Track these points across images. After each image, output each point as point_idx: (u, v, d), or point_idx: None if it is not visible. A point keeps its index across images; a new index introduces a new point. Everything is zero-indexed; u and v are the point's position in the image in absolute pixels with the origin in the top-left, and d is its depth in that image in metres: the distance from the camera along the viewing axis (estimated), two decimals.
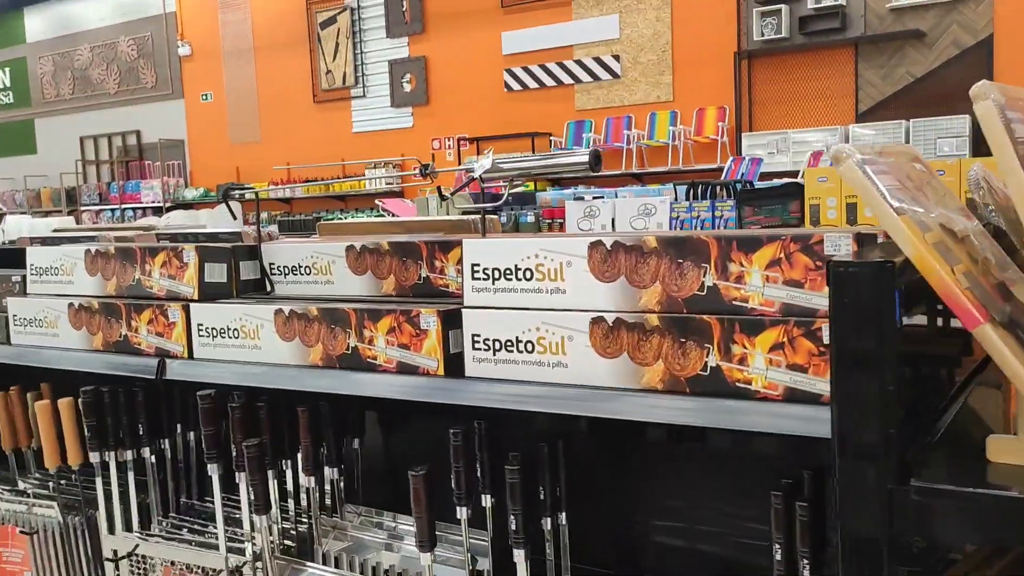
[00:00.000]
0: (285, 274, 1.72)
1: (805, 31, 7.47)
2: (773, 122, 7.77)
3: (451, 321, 1.29)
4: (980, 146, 6.75)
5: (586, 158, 1.17)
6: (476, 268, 1.21)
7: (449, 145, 9.54)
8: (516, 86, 9.10)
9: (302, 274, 1.68)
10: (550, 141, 8.80)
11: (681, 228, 3.85)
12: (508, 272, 1.18)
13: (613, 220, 4.14)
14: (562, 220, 4.39)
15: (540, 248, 1.16)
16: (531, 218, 4.57)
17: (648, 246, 1.13)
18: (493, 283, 1.22)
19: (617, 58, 8.51)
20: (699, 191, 3.88)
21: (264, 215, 10.52)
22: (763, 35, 7.63)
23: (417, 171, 1.49)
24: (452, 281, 1.46)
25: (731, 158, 5.11)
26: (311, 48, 10.41)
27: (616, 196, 4.32)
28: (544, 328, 1.16)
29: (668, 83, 8.29)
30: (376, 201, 7.01)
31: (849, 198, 3.40)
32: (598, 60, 8.61)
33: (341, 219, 7.89)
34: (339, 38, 10.15)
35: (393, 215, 6.36)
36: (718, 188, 3.80)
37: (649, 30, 8.31)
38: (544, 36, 8.83)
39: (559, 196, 4.72)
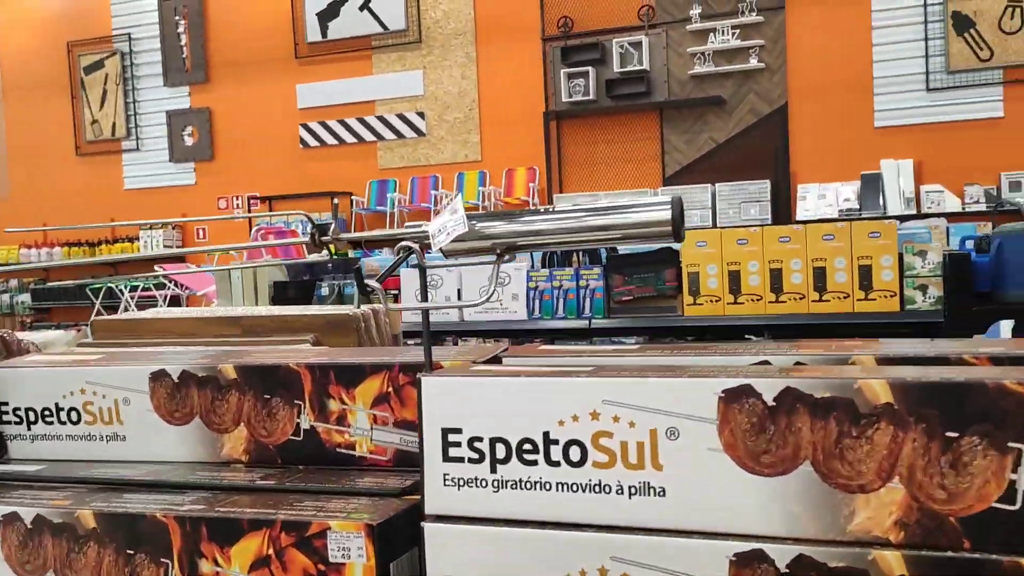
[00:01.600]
0: (33, 420, 1.03)
1: (612, 94, 7.48)
2: (583, 184, 7.69)
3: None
4: (779, 211, 6.99)
5: (666, 213, 0.69)
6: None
7: (238, 204, 8.69)
8: (313, 142, 8.48)
9: (65, 421, 1.01)
10: (351, 201, 8.24)
11: (541, 300, 3.47)
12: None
13: (459, 292, 3.68)
14: (396, 292, 3.87)
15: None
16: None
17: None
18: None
19: (422, 115, 8.14)
20: (558, 257, 3.51)
21: (13, 283, 9.07)
22: (571, 96, 7.56)
23: (307, 230, 0.97)
24: (361, 438, 0.92)
25: None
26: (73, 95, 9.21)
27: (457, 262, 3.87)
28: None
29: (476, 142, 8.02)
30: (156, 267, 6.10)
31: (731, 265, 3.17)
32: (402, 117, 8.19)
33: (116, 288, 6.82)
34: (107, 84, 9.05)
35: (184, 287, 5.51)
36: (579, 254, 3.46)
37: (455, 87, 8.03)
38: (343, 90, 8.31)
39: (388, 262, 4.20)
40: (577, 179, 7.71)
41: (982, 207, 6.49)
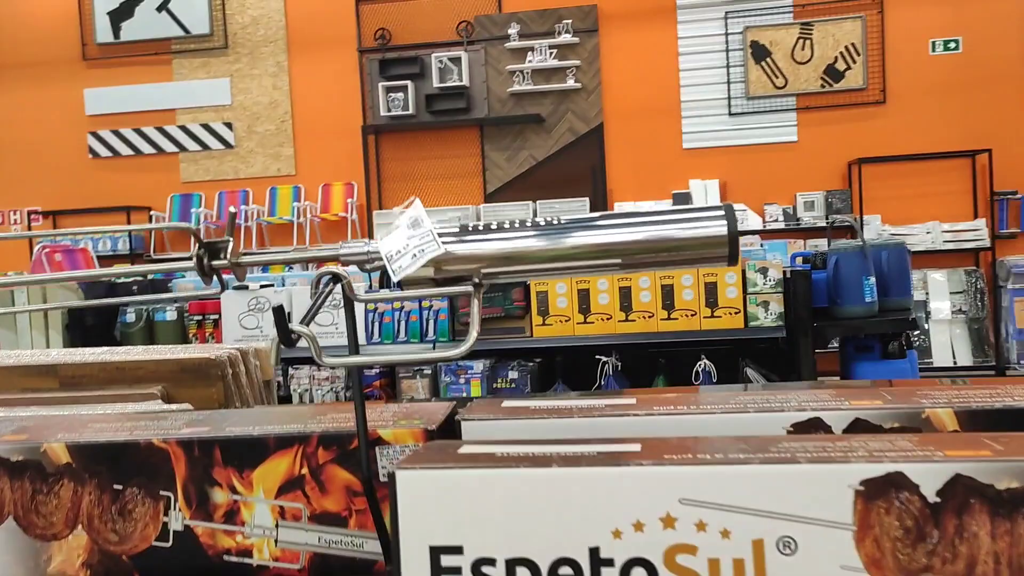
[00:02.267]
0: None
1: (432, 109, 7.33)
2: (403, 200, 7.46)
3: None
4: None
5: (722, 229, 0.51)
6: None
7: (16, 220, 7.76)
8: (105, 152, 7.73)
9: None
10: (150, 216, 7.57)
11: (381, 323, 3.23)
12: None
13: (289, 315, 3.36)
14: (217, 316, 3.49)
15: None
16: (171, 314, 3.59)
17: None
18: None
19: (230, 126, 7.62)
20: None
21: None
22: (390, 110, 7.34)
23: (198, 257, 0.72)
24: (261, 540, 0.68)
25: None
26: None
27: (284, 284, 3.55)
28: None
29: (289, 155, 7.60)
30: None
31: (581, 284, 3.08)
32: (207, 127, 7.63)
33: None
34: None
35: None
36: None
37: (266, 98, 7.58)
38: (140, 96, 7.64)
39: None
40: (397, 195, 7.49)
41: (781, 225, 6.89)
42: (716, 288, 3.05)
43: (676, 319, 3.09)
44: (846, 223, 6.74)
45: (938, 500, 0.43)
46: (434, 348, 3.26)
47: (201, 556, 0.69)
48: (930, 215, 6.70)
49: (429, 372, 3.33)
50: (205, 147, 7.65)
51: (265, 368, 1.10)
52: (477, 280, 0.60)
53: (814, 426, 0.61)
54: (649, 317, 3.10)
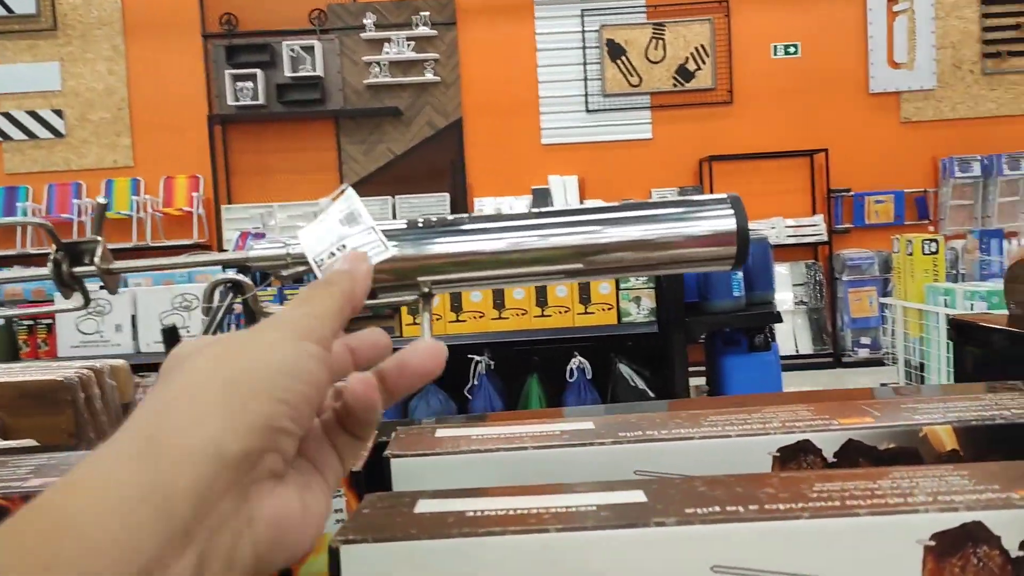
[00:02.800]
0: None
1: (284, 100, 7.02)
2: (254, 194, 7.14)
3: None
4: None
5: (727, 222, 0.42)
6: None
7: None
8: None
9: None
10: None
11: (238, 324, 3.00)
12: None
13: (134, 318, 3.08)
14: (50, 322, 3.15)
15: None
16: None
17: None
18: None
19: (59, 113, 7.03)
20: (256, 276, 3.07)
21: None
22: (238, 100, 6.97)
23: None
24: None
25: (239, 232, 4.36)
26: None
27: (127, 284, 3.25)
28: None
29: (127, 146, 7.09)
30: None
31: None
32: (33, 114, 7.01)
33: None
34: None
35: None
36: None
37: (100, 84, 7.04)
38: None
39: (35, 283, 3.42)
40: (247, 189, 7.13)
41: None
42: (589, 284, 3.02)
43: (549, 316, 3.04)
44: None
45: (1022, 554, 0.36)
46: None
47: None
48: (774, 211, 7.01)
49: None
50: (32, 136, 7.02)
51: (124, 389, 0.93)
52: (427, 289, 0.49)
53: (803, 450, 0.54)
54: (522, 314, 3.03)
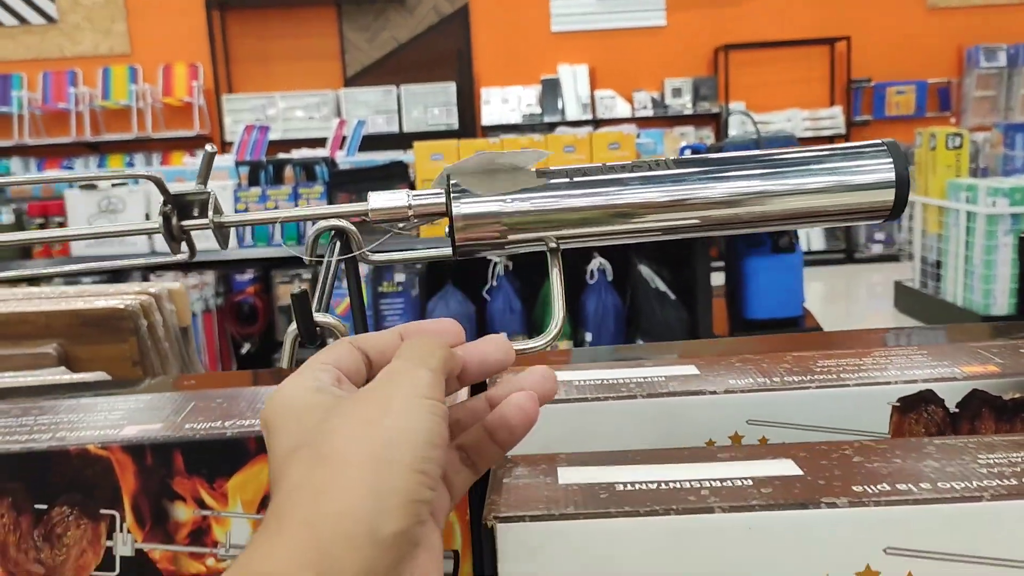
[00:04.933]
0: None
1: None
2: (255, 83, 6.96)
3: None
4: (465, 114, 6.88)
5: (887, 173, 0.39)
6: None
7: None
8: None
9: None
10: None
11: (254, 228, 2.96)
12: None
13: (147, 216, 3.04)
14: (62, 219, 3.11)
15: None
16: (7, 216, 3.17)
17: None
18: None
19: None
20: (269, 172, 3.02)
21: None
22: None
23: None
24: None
25: (244, 125, 4.26)
26: None
27: (139, 183, 3.19)
28: None
29: (123, 32, 6.87)
30: None
31: None
32: None
33: None
34: None
35: None
36: (295, 169, 2.99)
37: None
38: None
39: (47, 177, 3.37)
40: (248, 78, 6.95)
41: (649, 113, 6.88)
42: None
43: None
44: (712, 112, 6.82)
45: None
46: None
47: None
48: (792, 102, 6.86)
49: (308, 276, 3.12)
50: (23, 20, 6.79)
51: (182, 314, 0.90)
52: (553, 244, 0.46)
53: (925, 400, 0.52)
54: None
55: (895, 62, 6.82)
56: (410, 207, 0.47)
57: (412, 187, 3.01)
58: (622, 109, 6.90)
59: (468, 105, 6.97)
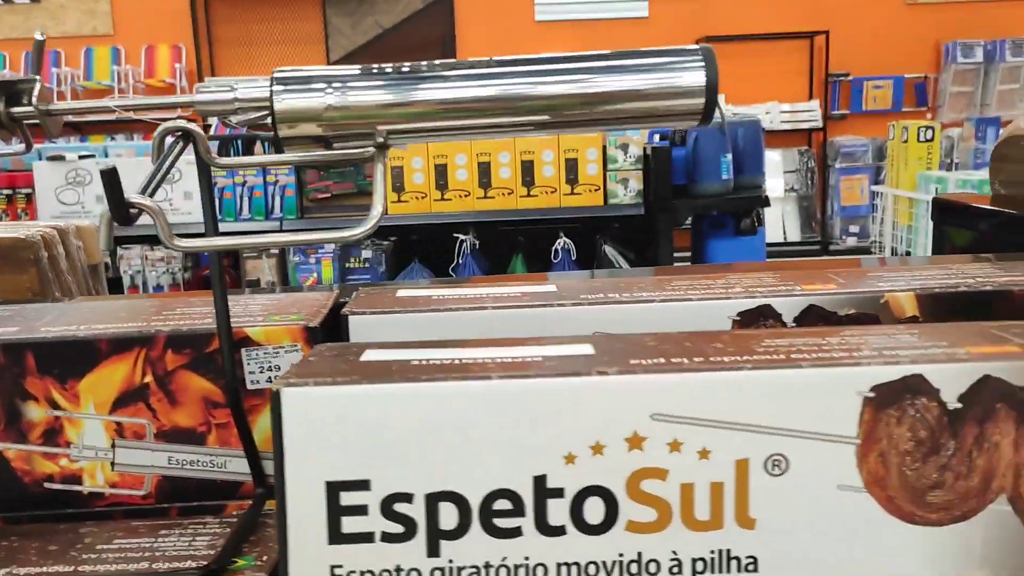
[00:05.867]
0: None
1: None
2: (239, 66, 6.93)
3: None
4: None
5: (696, 75, 0.40)
6: None
7: None
8: None
9: None
10: None
11: (221, 199, 2.97)
12: None
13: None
14: (30, 191, 3.11)
15: None
16: None
17: None
18: None
19: None
20: (238, 145, 3.02)
21: None
22: None
23: None
24: (93, 464, 0.58)
25: None
26: None
27: (107, 154, 3.19)
28: None
29: (106, 12, 6.84)
30: None
31: (438, 158, 2.92)
32: None
33: None
34: None
35: None
36: (264, 144, 3.00)
37: None
38: None
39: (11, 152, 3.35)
40: (231, 61, 6.93)
41: None
42: (577, 164, 2.98)
43: (536, 196, 3.01)
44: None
45: (960, 406, 0.36)
46: (281, 226, 3.05)
47: (14, 484, 0.56)
48: (770, 95, 6.88)
49: (276, 252, 3.13)
50: (7, 0, 6.75)
51: (90, 250, 0.91)
52: (381, 140, 0.47)
53: (763, 314, 0.53)
54: (508, 194, 3.00)
55: (873, 56, 6.84)
56: (236, 100, 0.48)
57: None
58: None
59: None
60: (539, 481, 0.37)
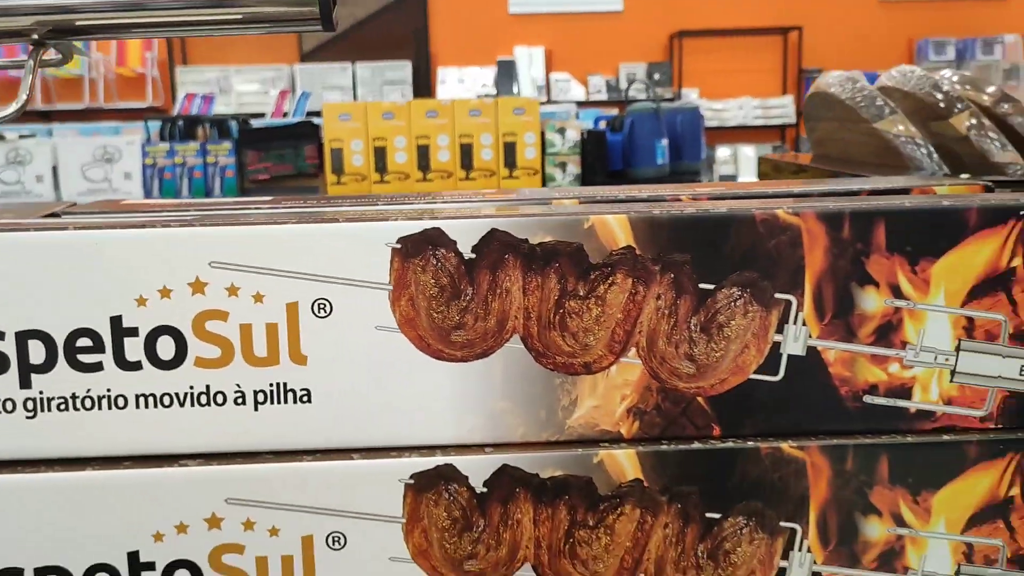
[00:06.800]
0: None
1: None
2: (212, 55, 6.96)
3: None
4: (420, 94, 6.90)
5: None
6: None
7: None
8: None
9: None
10: None
11: (161, 180, 3.00)
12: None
13: (55, 169, 3.06)
14: None
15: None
16: None
17: (611, 246, 0.43)
18: None
19: None
20: (180, 129, 3.05)
21: None
22: None
23: None
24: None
25: (185, 93, 4.29)
26: None
27: (52, 135, 3.22)
28: None
29: None
30: None
31: (378, 141, 2.95)
32: None
33: None
34: None
35: None
36: (206, 126, 3.03)
37: None
38: None
39: None
40: (203, 50, 6.96)
41: (604, 96, 6.93)
42: (515, 148, 3.01)
43: (474, 179, 3.04)
44: (666, 97, 6.87)
45: (473, 256, 0.40)
46: None
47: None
48: (744, 91, 6.92)
49: None
50: None
51: None
52: (37, 36, 0.50)
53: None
54: (447, 177, 3.03)
55: (846, 53, 6.89)
56: None
57: (320, 148, 3.05)
58: (577, 92, 6.94)
59: (424, 84, 7.01)
60: (115, 321, 0.41)
